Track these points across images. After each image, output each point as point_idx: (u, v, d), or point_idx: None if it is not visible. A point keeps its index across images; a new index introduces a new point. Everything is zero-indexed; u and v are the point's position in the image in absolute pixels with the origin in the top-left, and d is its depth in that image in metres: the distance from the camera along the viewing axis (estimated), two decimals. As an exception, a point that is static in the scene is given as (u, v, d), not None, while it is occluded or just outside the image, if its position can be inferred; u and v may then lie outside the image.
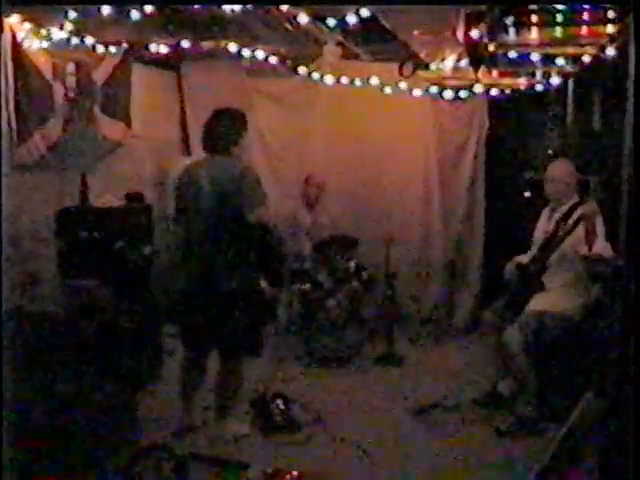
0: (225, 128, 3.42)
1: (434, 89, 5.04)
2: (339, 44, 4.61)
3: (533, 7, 3.29)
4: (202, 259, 3.36)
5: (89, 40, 4.21)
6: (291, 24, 3.97)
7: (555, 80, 4.48)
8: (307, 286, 4.97)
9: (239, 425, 3.61)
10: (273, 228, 3.41)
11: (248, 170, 3.37)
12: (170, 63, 5.64)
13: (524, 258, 4.03)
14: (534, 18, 3.34)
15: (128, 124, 5.08)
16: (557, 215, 3.90)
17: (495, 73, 4.73)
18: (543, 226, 4.03)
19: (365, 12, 3.45)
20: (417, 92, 5.05)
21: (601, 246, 3.51)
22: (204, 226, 3.34)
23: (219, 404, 3.55)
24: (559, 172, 3.91)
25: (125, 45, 4.68)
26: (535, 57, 4.01)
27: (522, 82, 4.93)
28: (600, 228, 3.60)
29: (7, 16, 3.75)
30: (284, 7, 3.55)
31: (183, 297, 3.50)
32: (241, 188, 3.25)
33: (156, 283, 4.62)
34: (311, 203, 5.38)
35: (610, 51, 3.61)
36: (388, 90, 4.96)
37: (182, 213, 3.48)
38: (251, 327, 3.42)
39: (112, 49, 4.61)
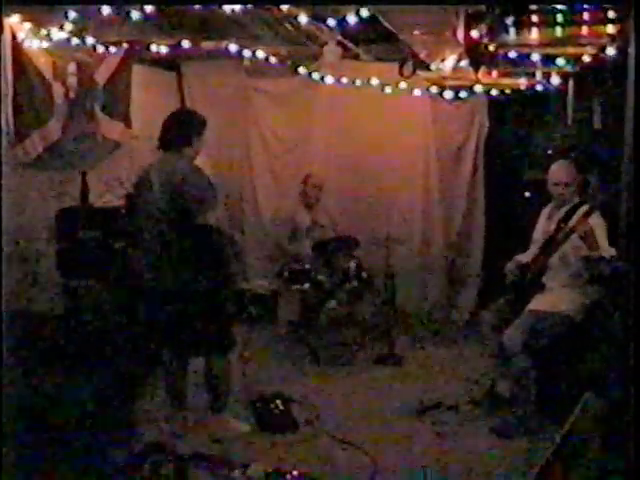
0: (177, 128, 3.45)
1: (434, 89, 5.05)
2: (339, 44, 4.61)
3: (533, 7, 3.29)
4: (153, 259, 3.36)
5: (89, 40, 4.22)
6: (291, 24, 3.97)
7: (555, 80, 4.49)
8: (307, 286, 4.97)
9: (239, 423, 3.61)
10: (224, 230, 3.39)
11: (196, 171, 3.35)
12: (170, 63, 5.64)
13: (524, 257, 4.03)
14: (534, 18, 3.34)
15: (128, 124, 5.08)
16: (558, 215, 3.90)
17: (495, 73, 4.73)
18: (543, 226, 4.03)
19: (365, 12, 3.45)
20: (417, 92, 5.06)
21: (602, 246, 3.51)
22: (154, 225, 3.34)
23: (213, 402, 3.56)
24: (564, 174, 3.91)
25: (125, 45, 4.68)
26: (535, 57, 4.01)
27: (522, 82, 4.93)
28: (601, 228, 3.60)
29: (7, 16, 3.75)
30: (284, 7, 3.55)
31: (143, 297, 3.52)
32: (189, 190, 3.23)
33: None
34: (310, 203, 5.38)
35: (610, 51, 3.61)
36: (388, 90, 4.96)
37: (136, 213, 3.48)
38: (213, 325, 3.40)
39: (112, 49, 4.62)
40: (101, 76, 4.74)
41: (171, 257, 3.29)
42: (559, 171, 3.93)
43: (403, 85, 4.89)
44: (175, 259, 3.29)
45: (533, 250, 4.01)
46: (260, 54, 4.68)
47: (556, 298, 3.76)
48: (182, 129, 3.46)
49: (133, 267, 4.36)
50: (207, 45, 4.63)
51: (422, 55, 4.45)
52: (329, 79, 5.02)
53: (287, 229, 5.33)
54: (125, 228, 4.45)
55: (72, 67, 4.43)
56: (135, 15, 3.54)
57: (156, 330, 3.53)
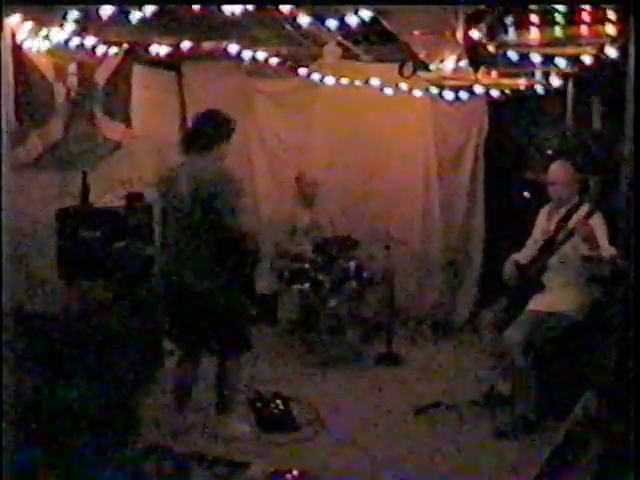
0: (208, 129, 3.43)
1: (434, 90, 5.05)
2: (339, 44, 4.61)
3: (533, 7, 3.29)
4: (179, 260, 3.37)
5: (90, 40, 4.22)
6: (291, 25, 3.97)
7: (555, 80, 4.49)
8: (307, 286, 4.97)
9: (240, 424, 3.61)
10: (251, 237, 3.41)
11: (228, 175, 3.35)
12: (170, 63, 5.64)
13: (520, 256, 4.03)
14: (534, 18, 3.34)
15: (128, 124, 5.08)
16: (557, 215, 3.90)
17: (495, 73, 4.72)
18: (542, 226, 4.03)
19: (365, 12, 3.44)
20: (417, 92, 5.05)
21: (602, 246, 3.51)
22: (182, 227, 3.35)
23: (220, 402, 3.56)
24: (561, 174, 3.91)
25: (126, 45, 4.68)
26: (535, 57, 4.01)
27: (522, 82, 4.93)
28: (601, 228, 3.60)
29: (7, 16, 3.75)
30: (284, 8, 3.55)
31: (167, 296, 3.53)
32: (219, 193, 3.24)
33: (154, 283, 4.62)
34: (307, 202, 5.38)
35: (610, 51, 3.61)
36: (388, 91, 4.96)
37: (165, 214, 3.51)
38: (232, 324, 3.43)
39: (113, 49, 4.61)
40: (101, 76, 4.73)
41: (197, 258, 3.31)
42: (557, 171, 3.94)
43: (403, 85, 4.89)
44: (200, 260, 3.31)
45: (532, 249, 4.01)
46: (260, 55, 4.68)
47: (556, 298, 3.76)
48: (214, 130, 3.44)
49: (142, 265, 4.39)
50: (207, 45, 4.63)
51: (422, 55, 4.45)
52: (329, 79, 5.02)
53: (286, 229, 5.33)
54: (125, 228, 4.46)
55: (72, 67, 4.43)
56: (135, 15, 3.53)
57: (174, 328, 3.56)
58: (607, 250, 3.47)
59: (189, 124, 3.55)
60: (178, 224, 3.39)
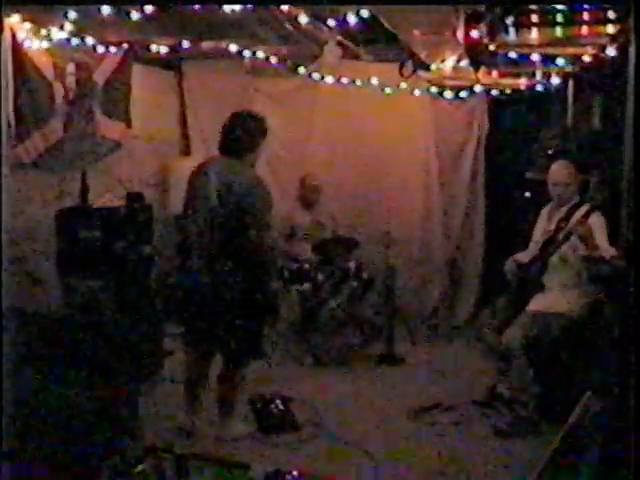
0: (243, 132, 3.34)
1: (434, 89, 5.05)
2: (339, 44, 4.61)
3: (533, 7, 3.29)
4: (200, 261, 3.31)
5: (89, 40, 4.22)
6: (291, 24, 3.97)
7: (555, 80, 4.49)
8: (307, 286, 4.97)
9: (242, 425, 3.61)
10: (272, 250, 3.39)
11: (262, 185, 3.28)
12: (170, 63, 5.64)
13: (522, 256, 4.03)
14: (534, 18, 3.34)
15: (128, 124, 5.08)
16: (558, 215, 3.90)
17: (495, 73, 4.73)
18: (543, 226, 4.03)
19: (365, 12, 3.44)
20: (417, 92, 5.06)
21: (602, 246, 3.51)
22: (206, 228, 3.28)
23: (223, 404, 3.55)
24: (563, 175, 3.91)
25: (125, 45, 4.68)
26: (535, 57, 4.01)
27: (522, 82, 4.93)
28: (601, 228, 3.60)
29: (7, 16, 3.75)
30: (284, 7, 3.55)
31: (183, 298, 3.47)
32: (250, 202, 3.17)
33: (157, 283, 4.61)
34: (309, 204, 5.37)
35: (610, 51, 3.61)
36: (388, 90, 4.96)
37: (189, 211, 3.40)
38: (249, 332, 3.40)
39: (112, 49, 4.62)
40: (101, 76, 4.73)
41: (219, 264, 3.25)
42: (558, 171, 3.94)
43: (403, 85, 4.89)
44: (222, 266, 3.24)
45: (533, 250, 4.01)
46: (260, 54, 4.68)
47: (556, 298, 3.76)
48: (249, 134, 3.35)
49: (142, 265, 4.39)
50: (207, 45, 4.63)
51: (422, 55, 4.45)
52: (329, 79, 5.02)
53: (285, 229, 5.32)
54: (125, 228, 4.45)
55: (71, 67, 4.43)
56: (135, 15, 3.53)
57: (197, 331, 3.49)
58: (607, 250, 3.47)
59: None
60: (202, 224, 3.29)
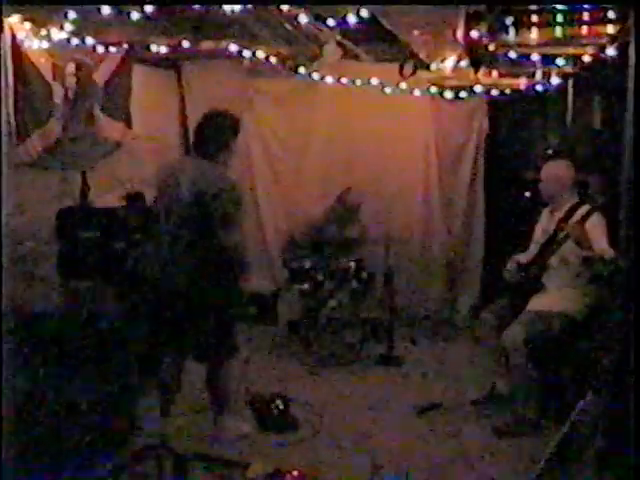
0: (214, 131, 3.30)
1: (434, 89, 5.05)
2: (339, 44, 4.61)
3: (533, 7, 3.29)
4: (168, 262, 3.24)
5: (89, 40, 4.22)
6: (291, 24, 3.97)
7: (555, 80, 4.49)
8: (307, 286, 4.97)
9: (240, 424, 3.61)
10: (243, 251, 3.27)
11: (233, 187, 3.22)
12: (170, 63, 5.64)
13: (523, 257, 4.03)
14: (534, 18, 3.35)
15: (128, 124, 5.08)
16: (558, 215, 3.90)
17: (495, 73, 4.73)
18: (543, 226, 4.03)
19: (365, 12, 3.45)
20: (417, 92, 5.06)
21: (602, 246, 3.51)
22: (175, 228, 3.22)
23: (215, 405, 3.54)
24: (553, 172, 3.92)
25: (125, 45, 4.68)
26: (535, 57, 4.02)
27: (522, 82, 4.93)
28: (601, 228, 3.60)
29: (7, 16, 3.75)
30: (284, 7, 3.55)
31: (151, 299, 3.38)
32: (219, 202, 3.12)
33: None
34: (343, 222, 5.27)
35: (610, 51, 3.62)
36: (388, 90, 4.96)
37: (159, 212, 3.35)
38: (218, 331, 3.34)
39: (112, 49, 4.62)
40: (101, 76, 4.74)
41: (183, 264, 3.20)
42: (548, 169, 3.95)
43: (403, 85, 4.89)
44: (187, 267, 3.20)
45: (533, 250, 4.01)
46: (260, 54, 4.68)
47: (556, 298, 3.76)
48: (218, 132, 3.30)
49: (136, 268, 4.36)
50: (207, 45, 4.63)
51: (422, 55, 4.46)
52: (329, 79, 5.03)
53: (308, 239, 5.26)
54: (125, 228, 4.45)
55: (71, 67, 4.43)
56: (135, 15, 3.54)
57: (158, 334, 3.42)
58: (606, 250, 3.47)
59: (193, 124, 3.38)
60: (171, 226, 3.25)
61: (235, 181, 3.35)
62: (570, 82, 4.95)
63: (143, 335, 3.72)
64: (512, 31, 3.40)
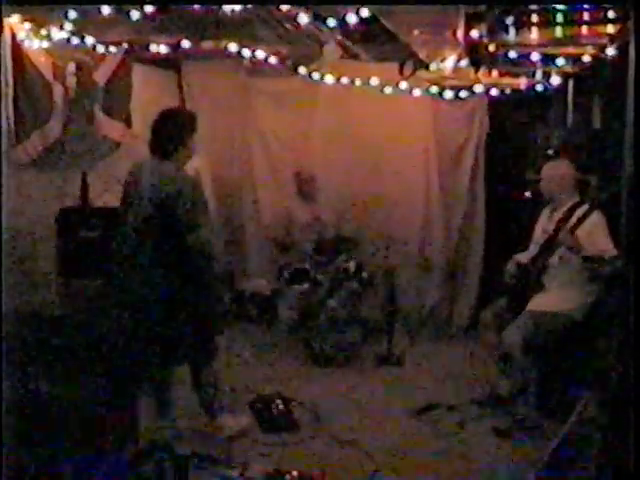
0: (167, 130, 3.24)
1: (434, 89, 5.04)
2: (339, 44, 4.61)
3: (533, 7, 3.29)
4: (135, 268, 3.20)
5: (89, 40, 4.22)
6: (291, 24, 3.97)
7: (555, 80, 4.49)
8: (307, 286, 4.96)
9: (236, 419, 3.59)
10: (211, 249, 3.19)
11: (192, 184, 3.17)
12: (170, 63, 5.64)
13: (523, 257, 4.03)
14: (534, 18, 3.34)
15: (128, 124, 5.08)
16: (558, 215, 3.90)
17: (495, 73, 4.72)
18: (543, 226, 4.03)
19: (365, 12, 3.44)
20: (417, 92, 5.05)
21: (603, 246, 3.51)
22: (139, 231, 3.18)
23: (205, 407, 3.52)
24: (553, 172, 3.92)
25: (125, 45, 4.68)
26: (535, 57, 4.01)
27: (522, 82, 4.92)
28: (602, 228, 3.60)
29: (7, 16, 3.75)
30: (284, 7, 3.55)
31: (127, 300, 3.33)
32: (179, 202, 3.07)
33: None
34: (307, 197, 5.38)
35: (610, 51, 3.61)
36: (388, 90, 4.96)
37: (125, 214, 3.31)
38: (195, 334, 3.30)
39: (112, 49, 4.62)
40: (101, 76, 4.74)
41: (151, 268, 3.16)
42: (547, 168, 3.95)
43: (403, 85, 4.89)
44: (155, 271, 3.16)
45: (533, 250, 4.02)
46: (260, 54, 4.68)
47: (556, 298, 3.76)
48: (172, 131, 3.25)
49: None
50: (207, 45, 4.63)
51: (422, 55, 4.45)
52: (329, 79, 5.02)
53: (284, 224, 5.32)
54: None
55: (71, 67, 4.43)
56: (135, 15, 3.54)
57: (140, 340, 3.34)
58: (607, 250, 3.47)
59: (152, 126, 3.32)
60: (136, 229, 3.20)
61: (194, 179, 3.32)
62: (570, 82, 4.95)
63: (142, 333, 3.72)
64: (512, 31, 3.40)
